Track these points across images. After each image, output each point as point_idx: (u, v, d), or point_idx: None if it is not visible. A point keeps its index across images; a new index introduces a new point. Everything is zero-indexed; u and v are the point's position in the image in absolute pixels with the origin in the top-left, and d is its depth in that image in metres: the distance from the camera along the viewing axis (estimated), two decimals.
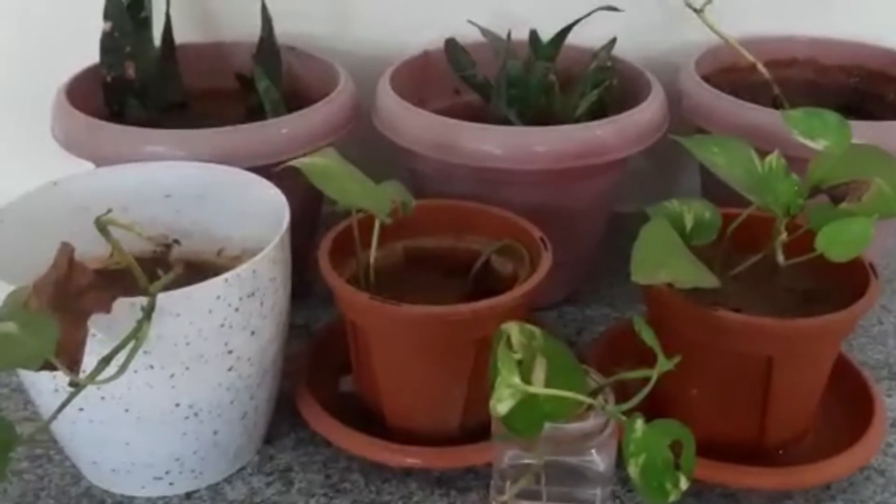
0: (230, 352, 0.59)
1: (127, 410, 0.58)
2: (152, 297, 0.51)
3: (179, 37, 0.84)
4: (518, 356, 0.52)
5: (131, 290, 0.54)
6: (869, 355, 0.80)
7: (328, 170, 0.60)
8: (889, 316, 0.85)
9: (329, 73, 0.83)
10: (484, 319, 0.61)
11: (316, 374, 0.72)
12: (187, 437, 0.61)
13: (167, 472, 0.63)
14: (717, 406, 0.65)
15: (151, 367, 0.57)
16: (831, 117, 0.62)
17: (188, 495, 0.65)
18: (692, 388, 0.65)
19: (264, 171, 0.68)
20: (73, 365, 0.49)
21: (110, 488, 0.65)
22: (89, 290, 0.50)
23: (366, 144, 0.77)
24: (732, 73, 0.88)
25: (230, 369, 0.60)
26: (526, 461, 0.57)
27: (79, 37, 0.78)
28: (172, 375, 0.58)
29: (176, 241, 0.50)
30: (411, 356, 0.65)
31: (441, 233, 0.73)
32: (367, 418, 0.68)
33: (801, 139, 0.61)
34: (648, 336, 0.53)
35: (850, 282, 0.63)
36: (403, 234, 0.71)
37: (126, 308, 0.53)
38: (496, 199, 0.73)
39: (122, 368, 0.51)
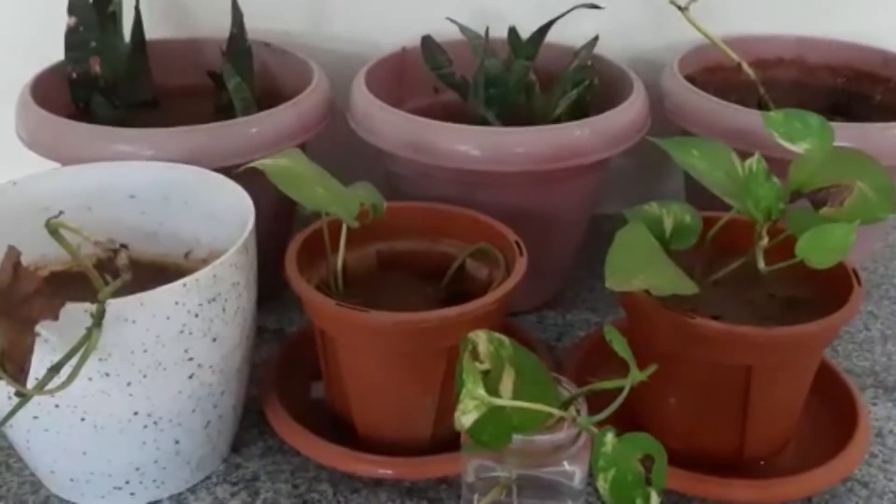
0: (191, 359, 0.57)
1: (83, 419, 0.56)
2: (101, 304, 0.49)
3: (151, 32, 0.81)
4: (485, 366, 0.50)
5: (90, 293, 0.52)
6: (854, 362, 0.78)
7: (292, 171, 0.58)
8: (876, 322, 0.83)
9: (303, 71, 0.81)
10: (454, 326, 0.59)
11: (286, 380, 0.70)
12: (147, 447, 0.59)
13: (127, 482, 0.61)
14: (695, 416, 0.63)
15: (107, 374, 0.55)
16: (813, 119, 0.60)
17: None
18: (670, 398, 0.63)
19: (233, 170, 0.66)
20: (19, 374, 0.47)
21: (69, 498, 0.63)
22: (36, 295, 0.48)
23: (342, 144, 0.75)
24: (718, 73, 0.87)
25: (191, 377, 0.58)
26: (496, 474, 0.55)
27: (45, 33, 0.76)
28: (129, 383, 0.56)
29: (123, 246, 0.48)
30: (380, 364, 0.63)
31: (415, 236, 0.71)
32: (338, 426, 0.66)
33: (782, 142, 0.59)
34: (620, 346, 0.51)
35: (834, 288, 0.62)
36: (377, 237, 0.69)
37: (78, 314, 0.51)
38: (474, 201, 0.71)
39: (71, 377, 0.50)
